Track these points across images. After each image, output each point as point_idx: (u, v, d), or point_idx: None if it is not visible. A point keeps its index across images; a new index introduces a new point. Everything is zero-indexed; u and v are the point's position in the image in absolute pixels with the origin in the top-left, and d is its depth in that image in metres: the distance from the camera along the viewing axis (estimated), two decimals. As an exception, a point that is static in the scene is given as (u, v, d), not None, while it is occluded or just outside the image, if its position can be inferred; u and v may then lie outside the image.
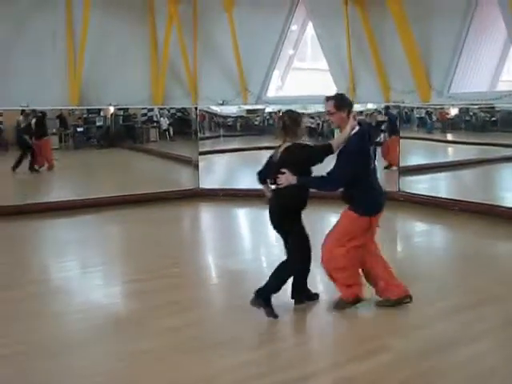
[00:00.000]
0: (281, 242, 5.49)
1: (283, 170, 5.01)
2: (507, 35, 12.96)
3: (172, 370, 4.19)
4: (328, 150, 5.13)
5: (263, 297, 5.13)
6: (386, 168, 13.57)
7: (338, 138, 5.15)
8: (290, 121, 5.19)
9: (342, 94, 5.47)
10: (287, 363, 4.33)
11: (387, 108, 13.29)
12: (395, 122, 13.07)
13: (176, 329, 4.91)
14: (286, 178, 5.02)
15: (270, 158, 5.39)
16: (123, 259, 7.54)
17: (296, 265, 5.33)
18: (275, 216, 5.28)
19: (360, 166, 5.08)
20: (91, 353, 4.53)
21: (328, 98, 5.28)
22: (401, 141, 11.54)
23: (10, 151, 16.85)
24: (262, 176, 5.54)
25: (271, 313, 5.10)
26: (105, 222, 9.85)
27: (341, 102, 5.18)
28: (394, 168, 13.35)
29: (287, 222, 5.27)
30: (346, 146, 5.05)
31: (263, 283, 5.19)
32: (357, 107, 14.88)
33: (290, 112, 5.31)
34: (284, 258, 5.33)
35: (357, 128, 5.07)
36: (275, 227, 5.35)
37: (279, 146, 5.24)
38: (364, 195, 5.21)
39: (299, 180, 5.04)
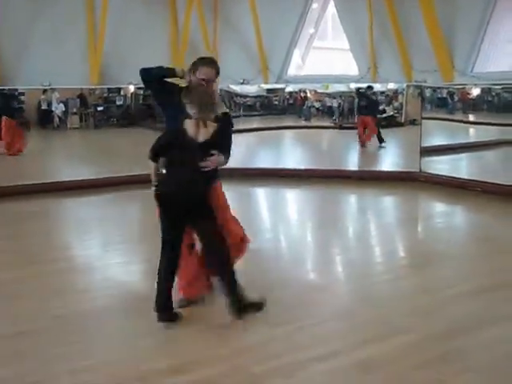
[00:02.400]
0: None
1: (213, 152, 4.44)
2: (533, 13, 12.72)
3: (188, 349, 4.23)
4: None
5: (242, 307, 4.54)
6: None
7: None
8: (206, 96, 4.50)
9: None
10: (305, 343, 4.33)
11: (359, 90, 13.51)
12: (369, 102, 13.46)
13: (193, 308, 4.91)
14: (217, 160, 4.50)
15: (181, 136, 4.49)
16: (143, 238, 7.57)
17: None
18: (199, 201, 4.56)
19: None
20: (113, 329, 4.59)
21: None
22: (423, 121, 11.41)
23: (32, 130, 17.00)
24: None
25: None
26: (125, 201, 9.90)
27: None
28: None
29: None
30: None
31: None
32: (377, 87, 14.78)
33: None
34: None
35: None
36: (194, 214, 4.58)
37: (198, 124, 4.44)
38: None
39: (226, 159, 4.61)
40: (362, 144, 14.04)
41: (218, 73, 4.74)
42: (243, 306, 4.55)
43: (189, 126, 4.49)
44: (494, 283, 5.50)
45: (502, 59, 14.41)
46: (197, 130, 4.46)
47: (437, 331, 4.43)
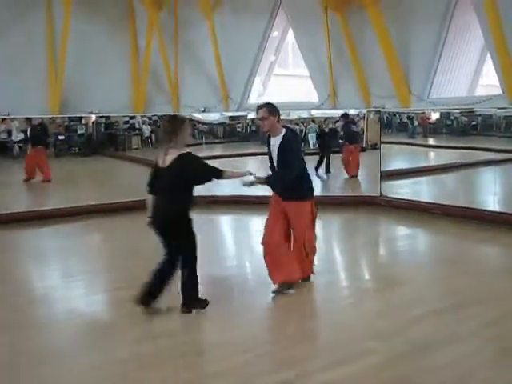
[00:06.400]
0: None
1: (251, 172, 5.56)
2: (484, 40, 13.14)
3: (158, 376, 4.19)
4: (218, 175, 5.26)
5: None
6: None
7: (233, 173, 5.62)
8: (171, 126, 5.16)
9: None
10: (271, 368, 4.35)
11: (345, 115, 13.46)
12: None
13: (161, 336, 4.91)
14: (258, 181, 5.59)
15: (156, 166, 5.31)
16: (106, 267, 7.50)
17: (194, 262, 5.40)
18: (174, 222, 5.26)
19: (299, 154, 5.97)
20: (76, 362, 4.51)
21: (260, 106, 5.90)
22: (382, 146, 11.61)
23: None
24: (153, 187, 5.42)
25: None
26: (87, 231, 9.78)
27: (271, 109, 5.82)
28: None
29: (186, 226, 5.30)
30: (285, 144, 5.74)
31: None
32: (338, 113, 15.02)
33: (170, 117, 5.36)
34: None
35: (284, 130, 5.83)
36: (171, 233, 5.33)
37: (165, 153, 5.18)
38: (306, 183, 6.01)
39: (267, 179, 5.70)
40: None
41: (270, 113, 5.76)
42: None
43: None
44: (452, 305, 5.61)
45: (457, 85, 14.81)
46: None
47: (397, 353, 4.49)
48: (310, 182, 6.07)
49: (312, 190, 6.07)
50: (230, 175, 5.44)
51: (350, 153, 13.48)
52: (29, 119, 15.27)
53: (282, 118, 5.98)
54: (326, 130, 13.84)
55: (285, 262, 5.90)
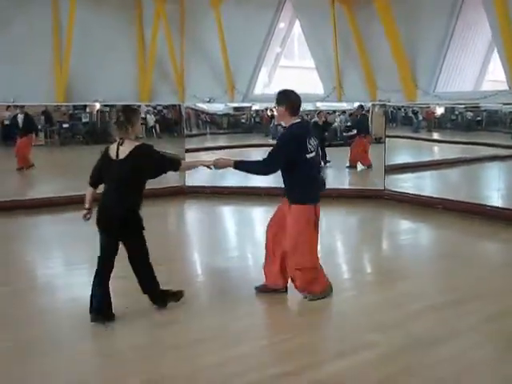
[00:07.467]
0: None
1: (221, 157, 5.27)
2: (491, 35, 13.09)
3: (157, 366, 4.21)
4: (176, 166, 5.11)
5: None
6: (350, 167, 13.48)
7: (190, 162, 5.86)
8: (125, 116, 4.88)
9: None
10: (271, 360, 4.37)
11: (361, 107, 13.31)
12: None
13: (162, 325, 4.94)
14: (224, 162, 5.29)
15: (108, 158, 4.98)
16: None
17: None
18: (124, 219, 5.03)
19: (292, 153, 5.27)
20: (78, 350, 4.53)
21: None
22: (387, 139, 11.58)
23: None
24: (96, 180, 5.24)
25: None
26: (91, 219, 9.78)
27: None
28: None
29: (139, 224, 5.12)
30: (278, 139, 5.52)
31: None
32: (343, 106, 14.98)
33: (125, 108, 5.05)
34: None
35: (291, 122, 5.39)
36: (120, 231, 5.13)
37: (119, 144, 4.90)
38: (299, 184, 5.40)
39: (236, 163, 5.25)
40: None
41: (277, 102, 5.49)
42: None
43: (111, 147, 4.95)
44: (453, 299, 5.61)
45: (463, 80, 14.77)
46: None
47: (396, 347, 4.50)
48: (311, 186, 5.46)
49: (314, 195, 5.48)
50: (189, 166, 5.72)
51: (363, 145, 13.32)
52: (22, 107, 15.21)
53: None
54: (320, 122, 13.68)
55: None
